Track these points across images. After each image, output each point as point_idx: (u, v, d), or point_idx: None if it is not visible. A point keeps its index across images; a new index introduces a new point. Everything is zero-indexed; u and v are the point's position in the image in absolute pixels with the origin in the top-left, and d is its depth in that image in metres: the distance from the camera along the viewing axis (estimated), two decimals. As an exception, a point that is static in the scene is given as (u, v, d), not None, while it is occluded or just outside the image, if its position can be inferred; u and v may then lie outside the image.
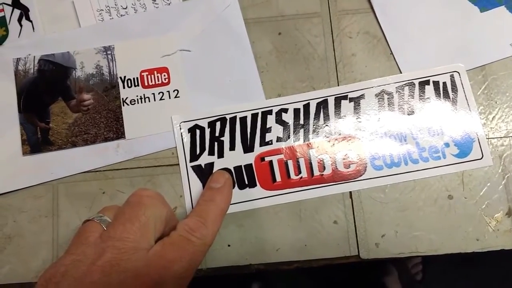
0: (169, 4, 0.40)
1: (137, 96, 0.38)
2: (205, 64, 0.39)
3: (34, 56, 0.38)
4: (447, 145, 0.36)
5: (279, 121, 0.37)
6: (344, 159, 0.36)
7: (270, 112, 0.37)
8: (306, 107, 0.37)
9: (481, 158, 0.36)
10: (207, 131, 0.37)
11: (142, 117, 0.37)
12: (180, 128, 0.37)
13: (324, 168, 0.36)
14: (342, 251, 0.35)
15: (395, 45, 0.38)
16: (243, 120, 0.37)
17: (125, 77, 0.38)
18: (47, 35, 0.39)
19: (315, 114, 0.37)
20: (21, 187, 0.36)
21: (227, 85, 0.38)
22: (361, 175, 0.36)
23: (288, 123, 0.37)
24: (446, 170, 0.36)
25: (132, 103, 0.38)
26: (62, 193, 0.36)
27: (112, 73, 0.38)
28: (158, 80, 0.38)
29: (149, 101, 0.38)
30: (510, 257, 0.35)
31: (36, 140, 0.37)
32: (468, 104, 0.37)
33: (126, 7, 0.39)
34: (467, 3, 0.39)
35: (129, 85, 0.38)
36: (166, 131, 0.37)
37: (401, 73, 0.38)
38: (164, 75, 0.38)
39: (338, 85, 0.38)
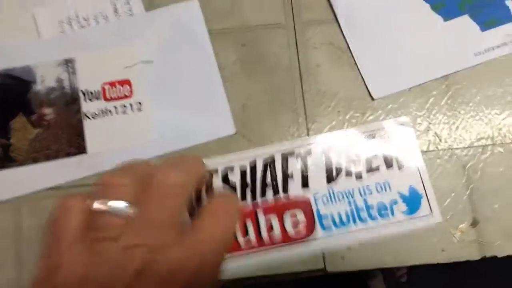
0: (131, 15, 0.39)
1: (98, 109, 0.37)
2: (169, 75, 0.38)
3: (-7, 70, 0.38)
4: (395, 202, 0.35)
5: (226, 180, 0.36)
6: (292, 219, 0.35)
7: (215, 171, 0.36)
8: (253, 167, 0.36)
9: (430, 214, 0.35)
10: None
11: (104, 131, 0.37)
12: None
13: (272, 228, 0.35)
14: (309, 265, 0.35)
15: (359, 55, 0.38)
16: None
17: (86, 90, 0.37)
18: (6, 48, 0.38)
19: (262, 172, 0.36)
20: (-19, 204, 0.36)
21: (191, 96, 0.38)
22: (309, 236, 0.35)
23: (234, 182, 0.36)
24: (395, 228, 0.35)
25: (94, 117, 0.37)
26: (25, 211, 0.36)
27: (73, 87, 0.37)
28: (120, 93, 0.37)
29: (111, 114, 0.37)
30: (495, 258, 0.35)
31: (-4, 156, 0.36)
32: (415, 158, 0.36)
33: (88, 19, 0.39)
34: (430, 12, 0.39)
35: (91, 98, 0.37)
36: (129, 145, 0.37)
37: (364, 83, 0.38)
38: (126, 88, 0.38)
39: (303, 96, 0.38)
